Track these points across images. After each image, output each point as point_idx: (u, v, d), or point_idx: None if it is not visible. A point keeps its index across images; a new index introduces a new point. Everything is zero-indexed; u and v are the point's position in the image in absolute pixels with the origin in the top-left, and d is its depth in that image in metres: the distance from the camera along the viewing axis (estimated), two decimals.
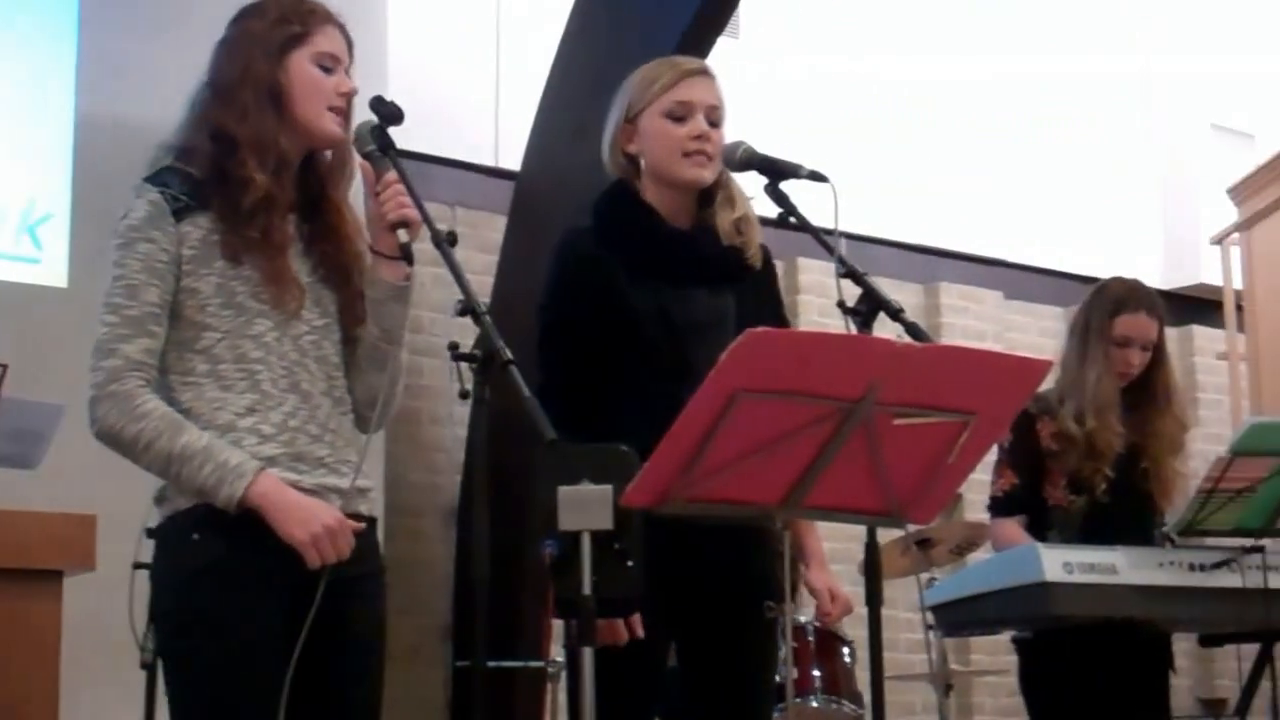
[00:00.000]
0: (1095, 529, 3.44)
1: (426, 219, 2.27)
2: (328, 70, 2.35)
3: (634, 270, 2.61)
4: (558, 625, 2.23)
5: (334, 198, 2.37)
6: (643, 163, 2.67)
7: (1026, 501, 3.51)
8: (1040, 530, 3.50)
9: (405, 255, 2.28)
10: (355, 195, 2.38)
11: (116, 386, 2.22)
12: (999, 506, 3.54)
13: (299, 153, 2.34)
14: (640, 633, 2.44)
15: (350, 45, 2.39)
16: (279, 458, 2.25)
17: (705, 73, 2.70)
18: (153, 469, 2.24)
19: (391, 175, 2.29)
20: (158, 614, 2.26)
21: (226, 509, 2.20)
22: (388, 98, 2.34)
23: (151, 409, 2.22)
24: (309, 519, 2.20)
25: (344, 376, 2.37)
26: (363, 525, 2.29)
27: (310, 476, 2.27)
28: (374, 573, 2.37)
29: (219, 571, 2.21)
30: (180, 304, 2.26)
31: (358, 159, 2.34)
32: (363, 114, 2.34)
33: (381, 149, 2.32)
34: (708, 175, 2.63)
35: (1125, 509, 3.50)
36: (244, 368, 2.27)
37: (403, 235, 2.26)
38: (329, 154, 2.39)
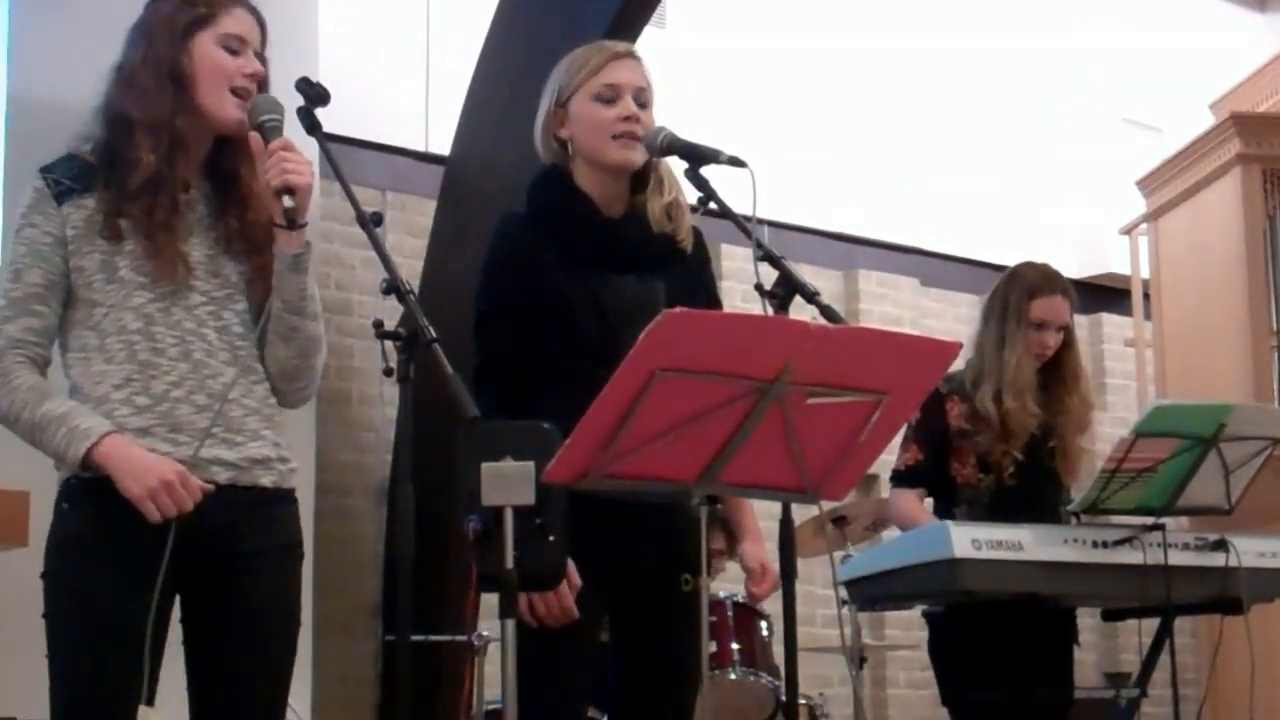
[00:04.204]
0: (1003, 506, 3.52)
1: (351, 198, 2.28)
2: (234, 52, 2.35)
3: (566, 257, 2.61)
4: (488, 600, 2.26)
5: (244, 172, 2.38)
6: (572, 148, 2.66)
7: (928, 477, 3.60)
8: (948, 506, 3.59)
9: (290, 222, 2.27)
10: None
11: None
12: (900, 478, 3.64)
13: (201, 135, 2.35)
14: (578, 582, 2.44)
15: (263, 27, 2.40)
16: (154, 429, 2.27)
17: (632, 55, 2.70)
18: (26, 440, 2.29)
19: (277, 144, 2.28)
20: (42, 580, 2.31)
21: (74, 471, 2.24)
22: (318, 81, 2.33)
23: (20, 382, 2.26)
24: (144, 473, 2.20)
25: (255, 347, 2.38)
26: (211, 487, 2.26)
27: (188, 448, 2.27)
28: (282, 546, 2.37)
29: (80, 541, 2.26)
30: (72, 283, 2.31)
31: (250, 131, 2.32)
32: (290, 95, 2.33)
33: (308, 129, 2.33)
34: (636, 158, 2.63)
35: (1032, 487, 3.58)
36: (124, 339, 2.29)
37: (287, 201, 2.26)
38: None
